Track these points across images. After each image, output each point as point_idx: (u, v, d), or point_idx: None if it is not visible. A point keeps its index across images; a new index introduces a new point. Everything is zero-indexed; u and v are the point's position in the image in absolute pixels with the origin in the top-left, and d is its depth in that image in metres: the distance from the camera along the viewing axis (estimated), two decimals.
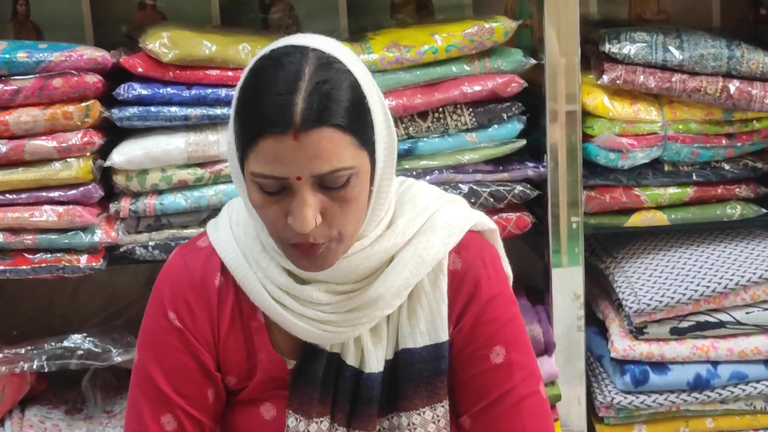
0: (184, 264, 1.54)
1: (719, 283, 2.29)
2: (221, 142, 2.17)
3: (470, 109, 2.23)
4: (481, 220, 1.57)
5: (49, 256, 2.16)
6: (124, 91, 2.14)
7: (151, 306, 1.55)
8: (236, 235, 1.53)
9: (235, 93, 1.39)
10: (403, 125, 2.21)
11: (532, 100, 2.29)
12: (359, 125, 1.36)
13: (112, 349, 2.31)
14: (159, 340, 1.53)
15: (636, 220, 2.34)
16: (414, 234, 1.50)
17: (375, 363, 1.50)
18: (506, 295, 1.56)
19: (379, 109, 1.41)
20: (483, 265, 1.53)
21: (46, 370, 2.29)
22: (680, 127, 2.29)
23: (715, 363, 2.35)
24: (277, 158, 1.32)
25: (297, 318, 1.47)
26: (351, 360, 1.51)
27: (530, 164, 2.27)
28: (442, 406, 1.53)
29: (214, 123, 2.19)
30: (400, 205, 1.52)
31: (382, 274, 1.48)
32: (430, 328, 1.51)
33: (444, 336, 1.51)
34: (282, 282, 1.48)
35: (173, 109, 2.15)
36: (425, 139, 2.22)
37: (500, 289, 1.55)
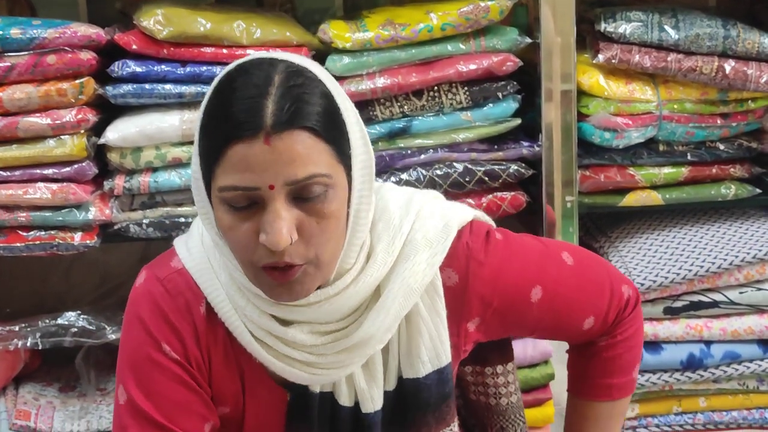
0: (165, 290, 1.41)
1: (713, 263, 2.30)
2: None
3: (465, 88, 2.23)
4: (460, 220, 1.46)
5: (43, 233, 2.15)
6: (118, 68, 2.13)
7: (135, 335, 1.41)
8: (212, 263, 1.41)
9: (199, 112, 1.29)
10: (398, 103, 2.21)
11: (527, 79, 2.28)
12: (335, 134, 1.26)
13: (105, 326, 2.32)
14: (153, 375, 1.39)
15: (631, 199, 2.34)
16: (396, 260, 1.39)
17: (370, 403, 1.43)
18: (509, 256, 1.48)
19: (355, 123, 1.32)
20: (478, 263, 1.45)
21: (40, 348, 2.29)
22: (675, 106, 2.29)
23: (708, 342, 2.36)
24: (248, 166, 1.20)
25: (282, 360, 1.38)
26: (345, 400, 1.44)
27: (525, 143, 2.27)
28: (450, 429, 1.49)
29: None
30: (373, 225, 1.40)
31: (371, 312, 1.38)
32: (432, 355, 1.44)
33: (446, 359, 1.45)
34: (263, 323, 1.37)
35: (168, 86, 2.14)
36: (420, 117, 2.22)
37: (501, 258, 1.47)
